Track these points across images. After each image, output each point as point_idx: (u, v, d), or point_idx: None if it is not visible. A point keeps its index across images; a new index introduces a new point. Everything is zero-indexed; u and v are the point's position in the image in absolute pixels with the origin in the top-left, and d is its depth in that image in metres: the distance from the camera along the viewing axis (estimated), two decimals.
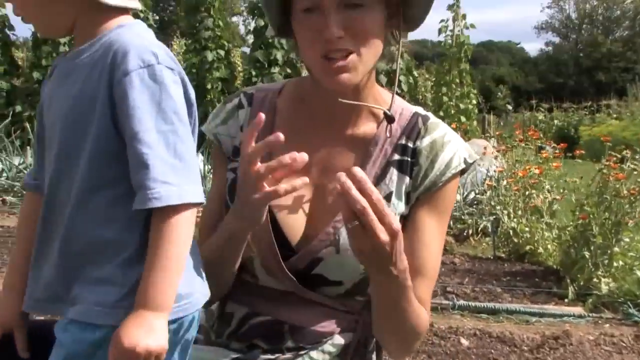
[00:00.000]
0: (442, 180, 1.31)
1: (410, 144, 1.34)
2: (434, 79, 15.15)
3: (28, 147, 8.44)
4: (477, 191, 7.16)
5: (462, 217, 6.60)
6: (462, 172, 1.35)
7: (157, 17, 13.76)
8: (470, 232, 6.37)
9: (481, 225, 6.38)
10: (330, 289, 1.34)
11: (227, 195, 1.39)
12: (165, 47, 1.14)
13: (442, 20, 12.80)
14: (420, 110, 1.40)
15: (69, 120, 1.11)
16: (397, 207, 1.32)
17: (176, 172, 1.05)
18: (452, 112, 12.18)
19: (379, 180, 1.32)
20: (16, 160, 8.25)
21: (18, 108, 13.06)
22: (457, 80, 12.46)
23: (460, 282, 4.72)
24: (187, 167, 1.08)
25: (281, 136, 1.15)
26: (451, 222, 6.59)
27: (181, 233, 1.06)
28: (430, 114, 1.40)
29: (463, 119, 12.06)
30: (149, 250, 1.05)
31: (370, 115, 1.37)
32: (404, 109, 1.39)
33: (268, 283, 1.36)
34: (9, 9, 11.99)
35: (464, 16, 12.32)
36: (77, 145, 1.09)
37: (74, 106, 1.10)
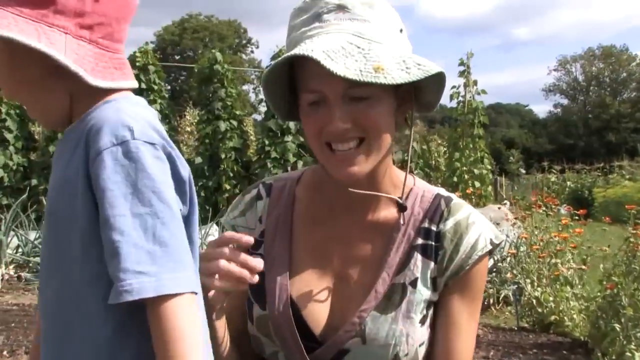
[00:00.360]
0: (469, 263, 1.27)
1: (434, 227, 1.30)
2: (446, 144, 15.22)
3: (44, 222, 8.42)
4: (495, 258, 7.06)
5: None
6: (490, 252, 1.31)
7: (169, 87, 14.04)
8: (492, 301, 6.25)
9: (502, 294, 6.26)
10: None
11: (249, 289, 1.32)
12: (149, 119, 1.06)
13: (453, 87, 12.94)
14: (442, 191, 1.36)
15: (54, 204, 1.05)
16: (423, 293, 1.27)
17: (154, 260, 0.94)
18: (466, 177, 12.15)
19: (403, 265, 1.28)
20: (32, 235, 8.24)
21: (34, 182, 13.18)
22: (471, 146, 12.49)
23: (485, 355, 4.59)
24: (170, 252, 0.96)
25: (251, 240, 1.18)
26: None
27: (178, 328, 0.93)
28: (453, 195, 1.35)
29: (477, 184, 12.02)
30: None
31: (390, 200, 1.33)
32: (425, 190, 1.35)
33: None
34: None
35: (475, 82, 12.44)
36: (65, 235, 1.01)
37: (59, 188, 1.04)
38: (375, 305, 1.26)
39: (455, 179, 12.29)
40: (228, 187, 12.92)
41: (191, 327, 0.96)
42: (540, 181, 23.65)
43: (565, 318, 5.18)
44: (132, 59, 13.82)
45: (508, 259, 6.51)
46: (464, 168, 12.29)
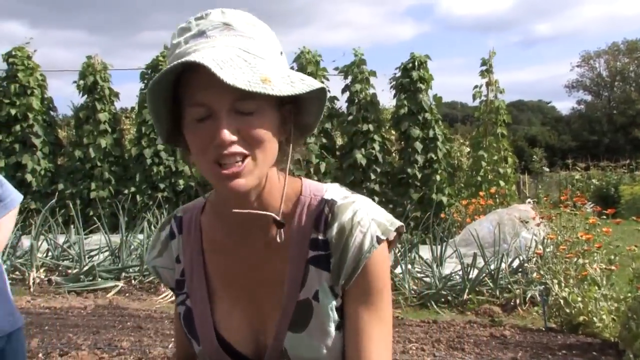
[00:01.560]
0: (360, 265, 1.24)
1: (321, 236, 1.27)
2: (467, 143, 15.17)
3: (72, 226, 8.56)
4: (521, 258, 7.04)
5: (509, 285, 6.47)
6: (390, 244, 1.28)
7: None
8: (518, 301, 6.23)
9: (529, 295, 6.24)
10: None
11: (184, 327, 1.38)
12: None
13: (475, 87, 12.89)
14: (329, 193, 1.32)
15: None
16: (327, 304, 1.27)
17: None
18: (490, 176, 12.12)
19: (303, 281, 1.27)
20: (60, 239, 8.38)
21: (60, 186, 13.37)
22: (494, 145, 12.45)
23: (513, 357, 4.58)
24: None
25: None
26: (497, 292, 6.49)
27: None
28: (338, 195, 1.31)
29: (502, 183, 11.98)
30: None
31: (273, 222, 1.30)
32: (312, 197, 1.32)
33: None
34: (51, 90, 12.29)
35: (497, 82, 12.41)
36: None
37: None
38: (289, 326, 1.27)
39: (479, 178, 12.26)
40: None
41: None
42: (564, 179, 23.47)
43: (595, 319, 5.14)
44: (155, 63, 13.96)
45: (534, 259, 6.48)
46: (488, 167, 12.24)
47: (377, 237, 1.24)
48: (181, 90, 1.20)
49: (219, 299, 1.35)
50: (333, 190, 1.32)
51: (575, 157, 28.07)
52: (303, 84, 1.17)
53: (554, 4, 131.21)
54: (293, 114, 1.26)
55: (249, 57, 1.16)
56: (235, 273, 1.33)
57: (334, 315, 1.26)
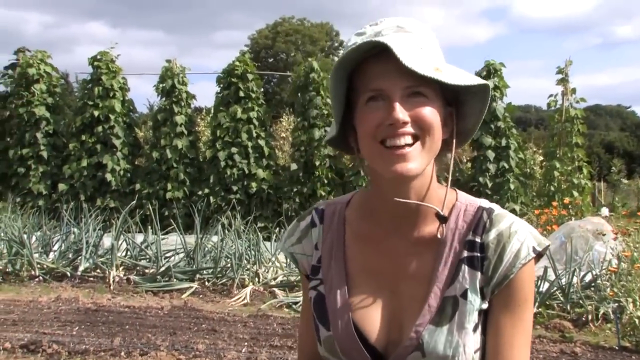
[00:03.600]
0: (513, 271, 1.30)
1: (478, 239, 1.34)
2: (541, 152, 14.88)
3: (149, 226, 8.84)
4: (594, 273, 6.91)
5: (580, 301, 6.37)
6: (538, 258, 1.34)
7: (262, 90, 14.32)
8: (590, 317, 6.13)
9: (601, 311, 6.13)
10: None
11: (313, 312, 1.46)
12: None
13: (550, 95, 12.66)
14: (484, 203, 1.39)
15: None
16: (474, 304, 1.33)
17: None
18: (564, 186, 11.87)
19: (453, 279, 1.34)
20: (138, 238, 8.69)
21: (138, 186, 13.83)
22: (568, 155, 12.19)
23: None
24: None
25: None
26: (568, 306, 6.39)
27: None
28: (495, 206, 1.39)
29: (575, 193, 11.73)
30: None
31: (435, 216, 1.37)
32: (468, 204, 1.39)
33: None
34: (132, 93, 12.76)
35: (573, 90, 12.14)
36: None
37: None
38: (430, 319, 1.32)
39: (552, 188, 12.04)
40: (323, 193, 13.19)
41: None
42: None
43: None
44: (231, 67, 14.27)
45: (607, 275, 6.35)
46: (561, 178, 12.00)
47: (534, 247, 1.32)
48: (356, 79, 1.30)
49: (357, 289, 1.41)
50: (486, 202, 1.40)
51: None
52: (469, 78, 1.26)
53: (638, 5, 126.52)
54: (455, 117, 1.34)
55: (422, 51, 1.26)
56: (380, 266, 1.40)
57: (475, 317, 1.33)
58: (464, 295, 1.33)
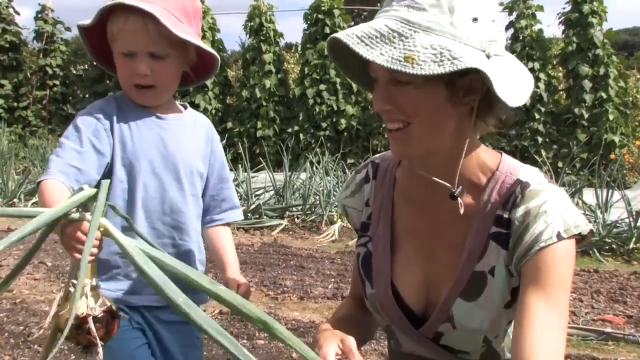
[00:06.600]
0: (530, 254, 1.23)
1: (506, 215, 1.30)
2: None
3: (239, 165, 9.01)
4: None
5: None
6: (579, 240, 1.26)
7: (352, 24, 14.10)
8: None
9: None
10: (463, 355, 1.39)
11: (360, 268, 1.48)
12: None
13: None
14: (525, 175, 1.31)
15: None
16: (502, 280, 1.30)
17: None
18: None
19: (482, 254, 1.31)
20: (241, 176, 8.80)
21: (229, 125, 14.11)
22: None
23: None
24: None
25: None
26: None
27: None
28: (535, 180, 1.30)
29: None
30: None
31: (471, 185, 1.34)
32: (508, 175, 1.33)
33: (411, 349, 1.45)
34: (220, 27, 12.67)
35: None
36: None
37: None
38: (460, 293, 1.32)
39: None
40: None
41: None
42: None
43: None
44: (317, 4, 14.13)
45: None
46: None
47: (559, 232, 1.23)
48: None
49: (400, 250, 1.43)
50: (530, 174, 1.33)
51: None
52: (452, 64, 1.15)
53: None
54: (481, 84, 1.22)
55: (408, 31, 1.18)
56: (422, 229, 1.41)
57: (506, 294, 1.31)
58: (492, 271, 1.31)
